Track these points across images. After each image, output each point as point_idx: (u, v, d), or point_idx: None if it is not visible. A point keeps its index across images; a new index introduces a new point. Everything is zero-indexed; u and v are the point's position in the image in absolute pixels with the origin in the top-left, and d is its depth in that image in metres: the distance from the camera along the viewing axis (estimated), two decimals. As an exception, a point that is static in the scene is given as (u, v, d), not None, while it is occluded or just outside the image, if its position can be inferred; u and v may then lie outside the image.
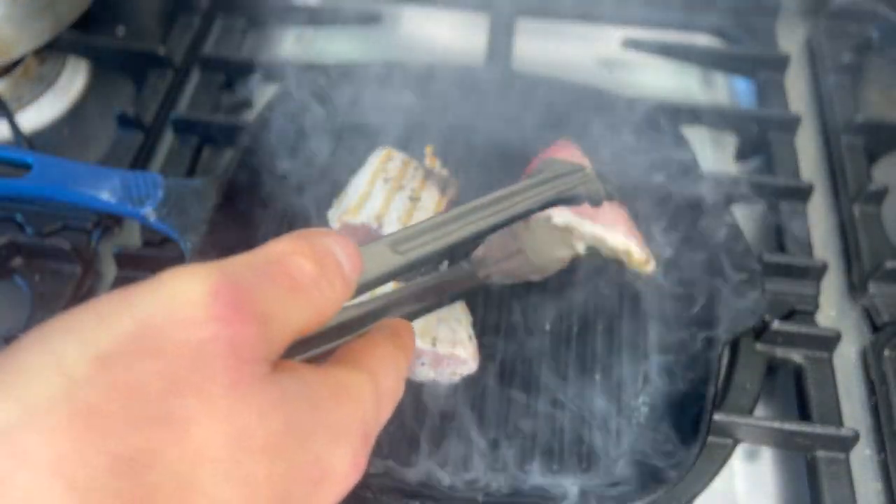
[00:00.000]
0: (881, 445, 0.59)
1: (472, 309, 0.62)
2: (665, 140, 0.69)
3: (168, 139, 0.77)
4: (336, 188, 0.69)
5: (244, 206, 0.67)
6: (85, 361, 0.23)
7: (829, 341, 0.62)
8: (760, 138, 0.77)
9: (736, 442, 0.57)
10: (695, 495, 0.54)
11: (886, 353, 0.62)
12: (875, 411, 0.60)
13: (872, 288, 0.66)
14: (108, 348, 0.24)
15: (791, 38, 0.87)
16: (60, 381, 0.23)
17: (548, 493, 0.55)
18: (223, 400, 0.24)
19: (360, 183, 0.67)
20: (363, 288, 0.33)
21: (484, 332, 0.63)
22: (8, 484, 0.21)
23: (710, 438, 0.55)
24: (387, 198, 0.65)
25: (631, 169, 0.70)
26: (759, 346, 0.62)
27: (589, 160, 0.67)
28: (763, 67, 0.83)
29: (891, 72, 0.84)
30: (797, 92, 0.83)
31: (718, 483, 0.56)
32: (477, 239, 0.40)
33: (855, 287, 0.67)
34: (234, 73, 0.81)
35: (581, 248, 0.67)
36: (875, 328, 0.65)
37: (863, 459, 0.59)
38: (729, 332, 0.58)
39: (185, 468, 0.23)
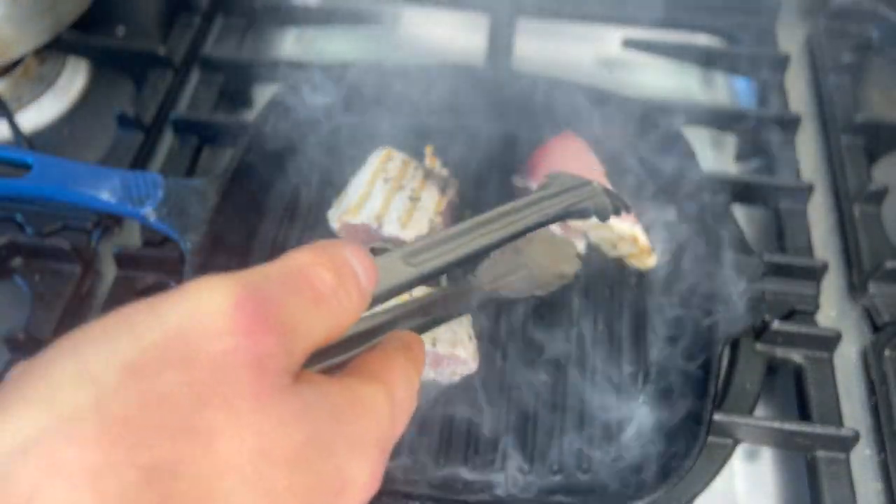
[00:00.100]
0: (881, 445, 0.59)
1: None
2: (665, 140, 0.69)
3: (168, 139, 0.77)
4: (336, 188, 0.69)
5: (244, 206, 0.67)
6: (114, 371, 0.23)
7: (830, 341, 0.62)
8: (760, 138, 0.77)
9: (736, 442, 0.57)
10: (695, 495, 0.54)
11: (887, 353, 0.62)
12: (875, 411, 0.60)
13: (872, 288, 0.66)
14: (135, 358, 0.24)
15: (791, 38, 0.87)
16: (90, 391, 0.23)
17: (548, 493, 0.55)
18: (247, 412, 0.24)
19: (360, 183, 0.67)
20: (377, 300, 0.33)
21: (483, 332, 0.63)
22: (40, 493, 0.21)
23: (710, 438, 0.55)
24: (387, 198, 0.65)
25: (631, 169, 0.70)
26: (759, 346, 0.62)
27: (591, 152, 0.67)
28: (763, 67, 0.83)
29: (891, 72, 0.84)
30: (797, 92, 0.83)
31: (718, 483, 0.56)
32: (488, 251, 0.40)
33: (855, 287, 0.67)
34: (234, 73, 0.81)
35: (581, 246, 0.67)
36: (875, 328, 0.65)
37: (863, 459, 0.58)
38: (729, 332, 0.58)
39: (211, 480, 0.24)
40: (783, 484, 0.60)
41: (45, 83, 0.81)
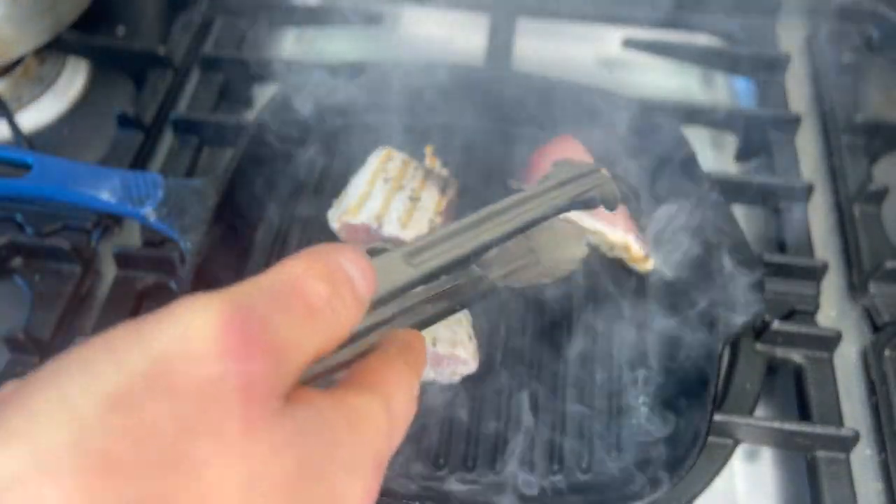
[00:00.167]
0: (882, 445, 0.59)
1: (472, 309, 0.62)
2: (665, 140, 0.69)
3: (168, 139, 0.77)
4: (336, 188, 0.69)
5: (244, 206, 0.67)
6: (95, 403, 0.23)
7: (830, 341, 0.62)
8: (760, 138, 0.77)
9: (736, 442, 0.57)
10: (695, 495, 0.54)
11: (887, 353, 0.62)
12: (875, 411, 0.60)
13: (873, 288, 0.66)
14: (118, 387, 0.23)
15: (791, 38, 0.87)
16: (70, 425, 0.22)
17: (548, 493, 0.55)
18: (236, 440, 0.24)
19: (360, 183, 0.67)
20: (377, 303, 0.33)
21: (483, 332, 0.63)
22: None
23: (711, 438, 0.55)
24: (387, 198, 0.65)
25: (631, 169, 0.70)
26: (759, 346, 0.62)
27: (590, 156, 0.67)
28: (763, 67, 0.83)
29: (891, 72, 0.84)
30: (797, 92, 0.83)
31: (719, 483, 0.56)
32: (491, 247, 0.39)
33: (855, 287, 0.67)
34: (234, 73, 0.81)
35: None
36: (875, 328, 0.65)
37: (863, 459, 0.58)
38: (729, 333, 0.58)
39: None
40: (783, 484, 0.60)
41: (45, 83, 0.81)
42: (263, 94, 0.80)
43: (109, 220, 0.70)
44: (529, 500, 0.55)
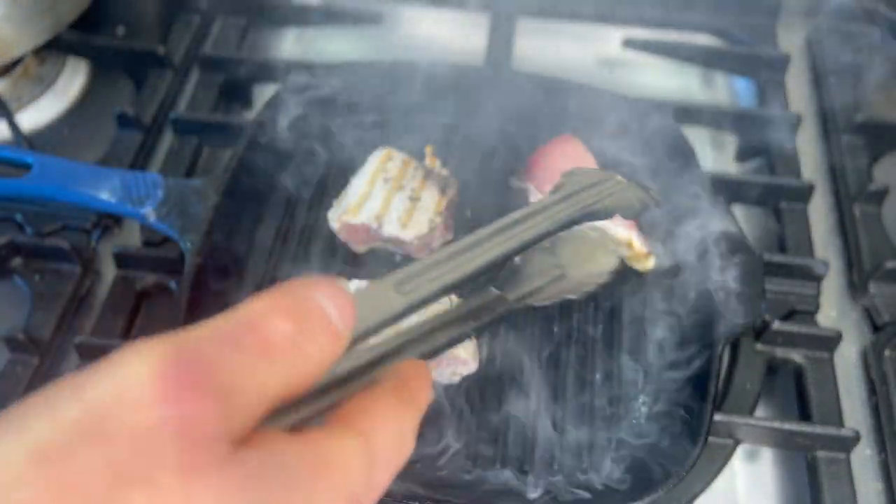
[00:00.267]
0: (882, 445, 0.59)
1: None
2: (665, 140, 0.69)
3: (168, 139, 0.77)
4: (336, 188, 0.69)
5: (244, 206, 0.67)
6: (19, 457, 0.22)
7: (830, 341, 0.62)
8: (760, 138, 0.77)
9: (736, 442, 0.57)
10: (695, 495, 0.54)
11: (887, 353, 0.62)
12: (876, 411, 0.60)
13: (873, 288, 0.66)
14: (49, 440, 0.22)
15: (791, 38, 0.87)
16: None
17: (548, 493, 0.55)
18: (173, 487, 0.22)
19: (360, 183, 0.67)
20: (365, 334, 0.31)
21: (484, 332, 0.63)
22: None
23: (711, 439, 0.55)
24: (387, 198, 0.65)
25: (631, 169, 0.70)
26: (759, 346, 0.62)
27: (591, 156, 0.67)
28: (763, 67, 0.83)
29: (891, 72, 0.84)
30: (797, 92, 0.83)
31: (719, 483, 0.56)
32: (490, 270, 0.36)
33: (855, 287, 0.67)
34: (234, 73, 0.81)
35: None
36: (875, 328, 0.65)
37: (863, 459, 0.58)
38: (729, 332, 0.58)
39: None
40: (783, 484, 0.60)
41: (44, 83, 0.81)
42: (263, 94, 0.80)
43: (109, 220, 0.70)
44: (529, 500, 0.55)
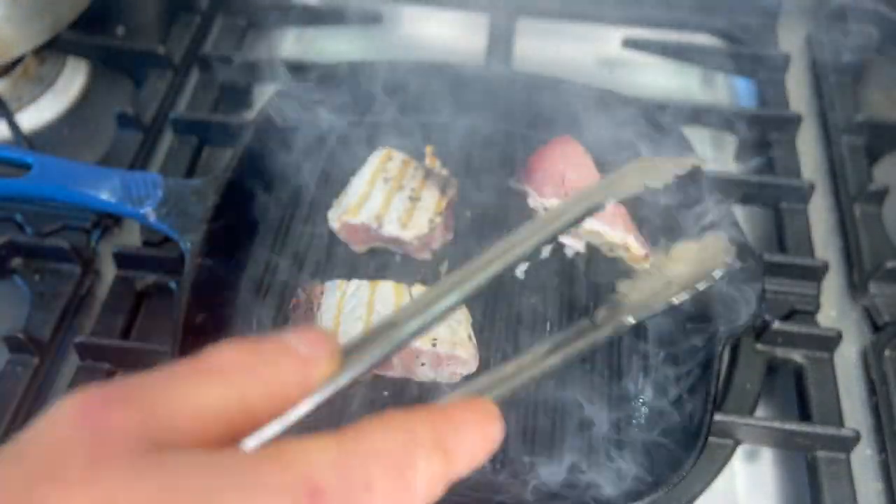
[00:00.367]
0: (882, 445, 0.59)
1: (472, 309, 0.62)
2: (665, 140, 0.69)
3: (168, 139, 0.77)
4: (336, 188, 0.69)
5: (244, 206, 0.67)
6: None
7: (830, 341, 0.62)
8: (760, 138, 0.77)
9: (736, 442, 0.57)
10: (695, 496, 0.54)
11: (887, 353, 0.62)
12: (876, 411, 0.60)
13: (873, 288, 0.66)
14: None
15: (791, 38, 0.87)
16: None
17: (548, 493, 0.55)
18: (84, 479, 0.23)
19: (360, 183, 0.67)
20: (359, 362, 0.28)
21: (484, 332, 0.63)
22: None
23: (711, 439, 0.55)
24: (387, 198, 0.65)
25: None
26: (759, 346, 0.62)
27: (590, 156, 0.67)
28: (763, 67, 0.83)
29: (891, 72, 0.84)
30: (797, 92, 0.83)
31: (719, 483, 0.56)
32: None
33: (855, 287, 0.67)
34: (233, 73, 0.81)
35: (580, 246, 0.67)
36: (876, 328, 0.65)
37: (863, 459, 0.58)
38: (729, 332, 0.58)
39: None
40: (783, 484, 0.60)
41: (44, 83, 0.81)
42: (263, 94, 0.80)
43: (109, 220, 0.70)
44: (529, 499, 0.55)
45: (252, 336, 0.28)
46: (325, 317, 0.59)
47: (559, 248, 0.67)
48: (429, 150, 0.71)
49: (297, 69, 0.74)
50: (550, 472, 0.56)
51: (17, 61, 0.80)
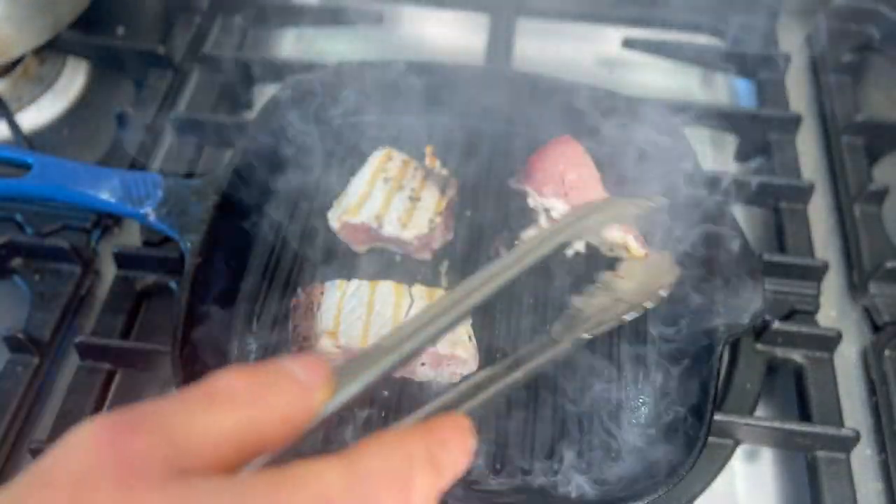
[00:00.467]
0: (882, 445, 0.59)
1: (472, 309, 0.62)
2: (665, 140, 0.69)
3: (168, 139, 0.77)
4: (336, 188, 0.69)
5: (244, 206, 0.67)
6: None
7: (830, 341, 0.62)
8: (760, 138, 0.77)
9: (736, 442, 0.57)
10: (695, 495, 0.54)
11: (887, 353, 0.62)
12: (876, 411, 0.60)
13: (873, 288, 0.66)
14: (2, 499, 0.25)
15: (791, 38, 0.87)
16: None
17: (548, 492, 0.55)
18: (112, 500, 0.24)
19: (360, 183, 0.67)
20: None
21: (484, 332, 0.63)
22: None
23: (711, 438, 0.55)
24: (387, 198, 0.65)
25: (631, 169, 0.70)
26: (759, 346, 0.62)
27: (589, 157, 0.67)
28: (763, 67, 0.83)
29: (891, 72, 0.84)
30: (797, 92, 0.83)
31: (719, 483, 0.56)
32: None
33: (855, 287, 0.67)
34: (234, 73, 0.81)
35: (580, 246, 0.67)
36: (876, 328, 0.65)
37: (863, 459, 0.58)
38: (729, 333, 0.58)
39: None
40: (783, 484, 0.60)
41: (44, 83, 0.81)
42: (263, 94, 0.80)
43: (109, 220, 0.70)
44: (529, 499, 0.55)
45: (249, 361, 0.29)
46: (325, 317, 0.59)
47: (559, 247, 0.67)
48: (429, 150, 0.71)
49: (297, 69, 0.74)
50: (550, 473, 0.56)
51: (17, 61, 0.80)
